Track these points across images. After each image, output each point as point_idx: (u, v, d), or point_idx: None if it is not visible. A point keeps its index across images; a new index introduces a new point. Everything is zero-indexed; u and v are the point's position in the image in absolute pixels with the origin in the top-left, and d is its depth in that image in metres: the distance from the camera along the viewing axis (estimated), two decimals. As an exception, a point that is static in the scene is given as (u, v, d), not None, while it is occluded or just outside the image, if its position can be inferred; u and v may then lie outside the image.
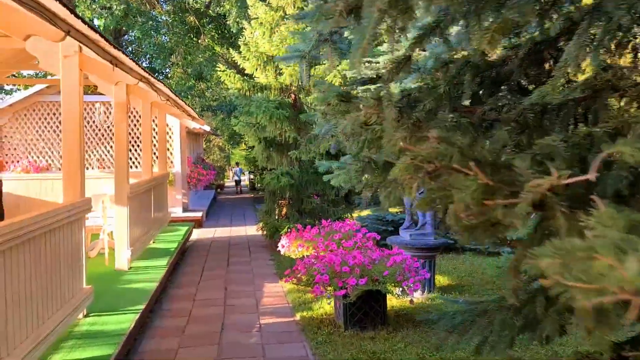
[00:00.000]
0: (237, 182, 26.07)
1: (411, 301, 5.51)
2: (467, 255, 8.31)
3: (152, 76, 5.06)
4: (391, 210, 11.22)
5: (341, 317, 5.22)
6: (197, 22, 18.98)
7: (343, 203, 10.78)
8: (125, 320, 4.86)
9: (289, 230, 9.48)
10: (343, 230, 7.03)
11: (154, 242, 8.87)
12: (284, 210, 10.69)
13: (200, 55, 19.29)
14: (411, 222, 6.58)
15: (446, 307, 5.78)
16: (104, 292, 5.72)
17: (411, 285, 4.89)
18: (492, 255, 8.22)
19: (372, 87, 8.28)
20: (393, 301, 5.86)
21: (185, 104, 8.34)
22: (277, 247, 9.62)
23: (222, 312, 5.99)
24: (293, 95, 10.54)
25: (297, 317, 5.73)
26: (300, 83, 10.21)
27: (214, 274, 7.96)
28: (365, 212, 11.05)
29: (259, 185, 25.84)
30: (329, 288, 5.12)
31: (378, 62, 8.91)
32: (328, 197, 10.54)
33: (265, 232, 10.39)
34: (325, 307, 5.92)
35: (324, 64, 10.11)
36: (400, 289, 5.26)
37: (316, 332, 5.17)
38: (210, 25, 21.41)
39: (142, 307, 5.30)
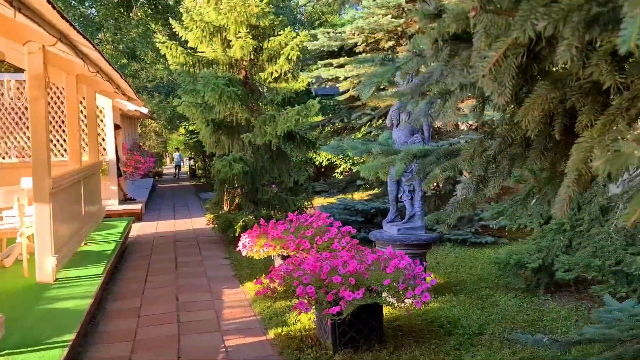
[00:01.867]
0: (177, 167, 27.19)
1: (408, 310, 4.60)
2: (448, 247, 7.53)
3: (76, 29, 3.79)
4: (357, 197, 10.33)
5: (329, 336, 4.23)
6: (128, -7, 17.17)
7: (303, 191, 9.76)
8: (49, 359, 3.67)
9: (244, 223, 8.40)
10: (315, 225, 6.02)
11: (86, 244, 7.53)
12: (237, 200, 9.55)
13: (132, 31, 17.51)
14: (396, 214, 5.66)
15: (445, 314, 4.92)
16: (21, 318, 4.46)
17: (418, 295, 3.96)
18: (474, 246, 7.47)
19: (335, 61, 7.17)
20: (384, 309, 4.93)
21: (121, 77, 7.02)
22: (233, 243, 8.51)
23: (176, 331, 4.86)
24: (244, 72, 9.36)
25: (271, 335, 4.70)
26: (251, 57, 9.04)
27: (161, 279, 6.76)
28: (327, 200, 10.08)
29: (200, 172, 24.53)
30: (315, 303, 4.10)
31: (344, 32, 7.90)
32: (286, 185, 9.48)
33: (216, 226, 9.23)
34: (303, 319, 4.92)
35: (280, 34, 8.99)
36: (395, 297, 4.32)
37: (299, 356, 4.16)
38: (142, -1, 19.59)
39: (72, 336, 4.10)
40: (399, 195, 5.55)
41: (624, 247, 4.52)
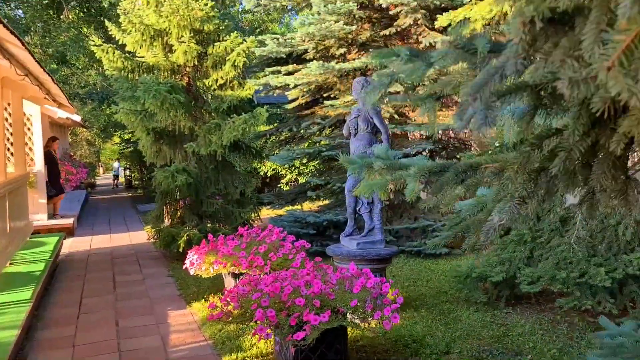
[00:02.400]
0: (116, 177, 26.80)
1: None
2: (402, 259, 7.37)
3: (2, 24, 3.28)
4: (305, 207, 10.04)
5: (290, 363, 3.91)
6: (58, -7, 16.13)
7: (250, 203, 9.37)
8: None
9: (188, 238, 7.92)
10: (268, 240, 5.68)
11: (12, 264, 6.83)
12: (179, 213, 9.04)
13: (63, 34, 16.49)
14: (354, 227, 5.42)
15: (409, 331, 4.71)
16: None
17: (387, 316, 3.71)
18: (429, 257, 7.34)
19: (283, 68, 6.87)
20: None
21: (53, 80, 6.41)
22: (177, 258, 8.02)
23: (118, 362, 4.38)
24: (187, 78, 8.91)
25: (225, 362, 4.32)
26: (195, 63, 8.60)
27: (98, 301, 6.19)
28: (275, 212, 9.73)
29: (136, 182, 23.55)
30: (275, 328, 3.77)
31: (293, 38, 7.62)
32: (232, 197, 9.08)
33: (157, 241, 8.67)
34: (260, 343, 4.57)
35: (226, 39, 8.63)
36: (361, 317, 4.07)
37: (258, 386, 3.81)
38: (74, 1, 18.53)
39: (-3, 376, 3.57)
40: (357, 208, 5.32)
41: (586, 259, 4.47)
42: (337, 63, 7.12)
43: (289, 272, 4.24)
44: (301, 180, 13.39)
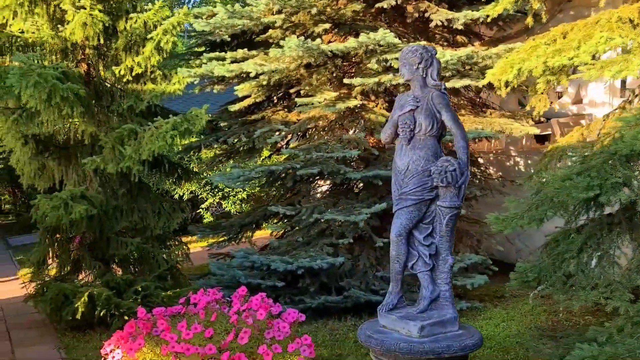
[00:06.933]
0: None
1: None
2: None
3: None
4: (243, 245, 7.63)
5: None
6: None
7: (173, 239, 6.86)
8: None
9: (90, 298, 5.32)
10: (247, 318, 3.35)
11: None
12: (74, 255, 6.32)
13: None
14: (401, 295, 3.24)
15: None
16: None
17: None
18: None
19: (228, 55, 4.45)
20: None
21: None
22: (73, 328, 5.45)
23: None
24: (85, 65, 6.28)
25: None
26: (99, 42, 6.01)
27: None
28: (212, 250, 7.22)
29: (8, 207, 19.57)
30: None
31: (256, 6, 5.31)
32: (152, 232, 6.48)
33: (40, 300, 5.87)
34: None
35: (147, 10, 6.19)
36: None
37: None
38: None
39: None
40: (410, 264, 3.16)
41: None
42: (321, 44, 4.98)
43: None
44: (226, 205, 10.97)
